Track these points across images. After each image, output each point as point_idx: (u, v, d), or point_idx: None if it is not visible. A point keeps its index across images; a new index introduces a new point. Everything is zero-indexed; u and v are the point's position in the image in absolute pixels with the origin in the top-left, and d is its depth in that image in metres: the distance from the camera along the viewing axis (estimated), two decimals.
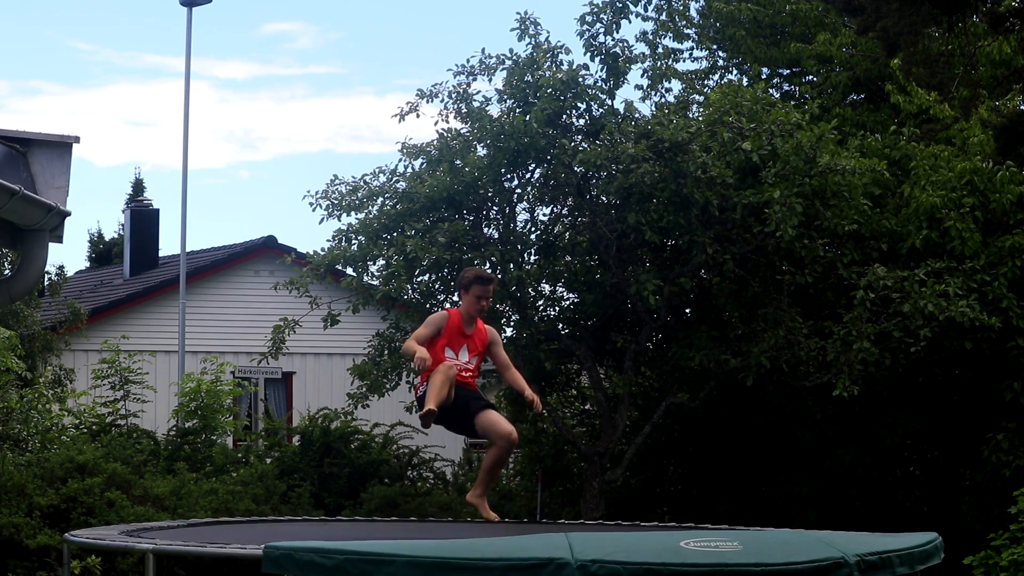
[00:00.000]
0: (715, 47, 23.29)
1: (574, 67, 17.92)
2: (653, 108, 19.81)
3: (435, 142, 18.46)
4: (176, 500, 17.80)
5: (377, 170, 18.67)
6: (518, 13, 18.21)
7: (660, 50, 22.17)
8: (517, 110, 17.99)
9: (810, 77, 22.72)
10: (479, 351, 10.73)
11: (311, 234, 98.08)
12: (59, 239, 13.00)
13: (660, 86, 20.17)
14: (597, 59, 18.17)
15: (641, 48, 21.32)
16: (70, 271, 29.16)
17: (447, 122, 18.49)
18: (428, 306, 18.74)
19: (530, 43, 18.16)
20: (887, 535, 10.06)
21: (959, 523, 18.15)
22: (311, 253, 19.08)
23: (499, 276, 18.35)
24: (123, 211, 32.11)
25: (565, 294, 19.80)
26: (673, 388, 18.81)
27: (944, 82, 18.31)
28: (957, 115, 19.00)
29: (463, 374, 10.60)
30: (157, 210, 30.47)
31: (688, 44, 23.32)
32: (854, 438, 18.97)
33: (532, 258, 19.16)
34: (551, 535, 8.88)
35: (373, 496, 19.27)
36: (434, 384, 10.32)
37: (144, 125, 67.96)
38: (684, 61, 23.16)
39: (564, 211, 19.00)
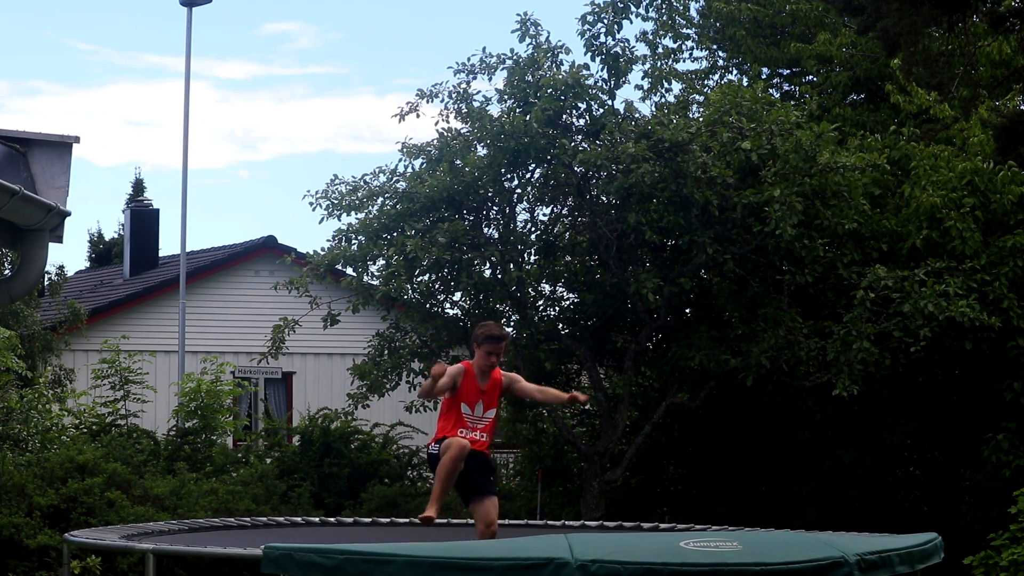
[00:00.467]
0: (715, 47, 23.28)
1: (575, 67, 17.91)
2: (653, 108, 19.82)
3: (435, 142, 18.45)
4: (176, 500, 17.80)
5: (377, 170, 18.69)
6: (519, 14, 18.24)
7: (660, 50, 22.18)
8: (517, 110, 17.99)
9: (810, 77, 22.72)
10: (495, 404, 10.80)
11: (311, 234, 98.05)
12: (59, 239, 12.99)
13: (660, 87, 20.16)
14: (598, 59, 18.18)
15: (642, 48, 21.34)
16: (70, 271, 29.15)
17: (447, 122, 18.51)
18: (428, 306, 18.74)
19: (531, 44, 18.16)
20: (887, 535, 10.07)
21: (959, 523, 18.15)
22: (311, 253, 19.07)
23: (499, 276, 18.36)
24: (123, 211, 32.10)
25: (565, 294, 19.80)
26: (673, 388, 18.80)
27: (944, 82, 18.30)
28: (957, 115, 19.00)
29: (477, 437, 10.64)
30: (157, 210, 30.46)
31: (688, 44, 23.35)
32: (854, 438, 18.96)
33: (532, 258, 19.15)
34: (551, 535, 8.89)
35: (373, 496, 19.26)
36: (441, 474, 10.35)
37: (144, 125, 67.98)
38: (684, 61, 23.20)
39: (564, 211, 19.00)
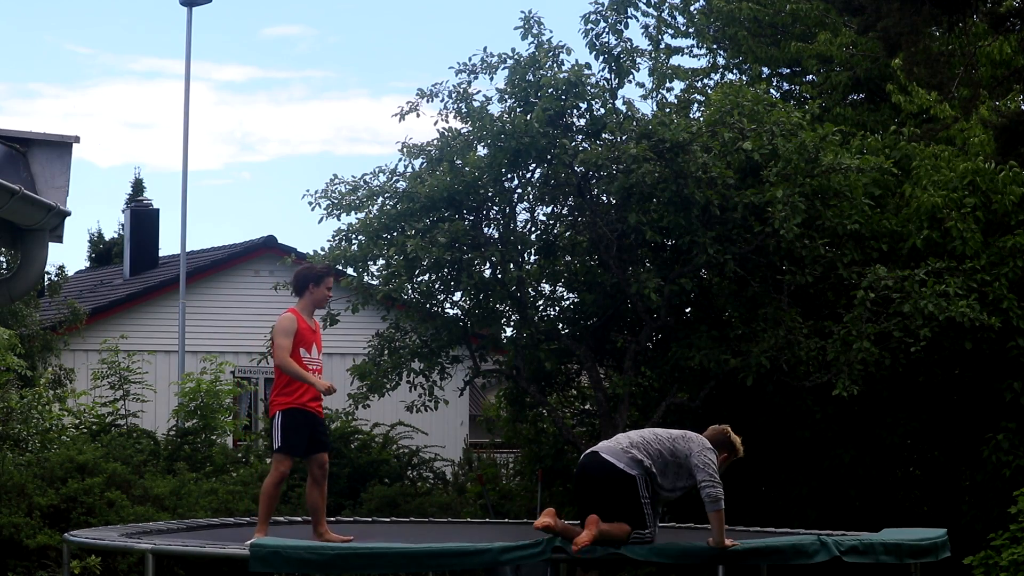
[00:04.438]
0: (715, 46, 23.28)
1: (576, 67, 17.89)
2: (654, 107, 19.80)
3: (435, 141, 18.43)
4: (176, 500, 17.80)
5: (377, 170, 18.66)
6: (523, 11, 18.20)
7: (662, 46, 22.17)
8: (518, 110, 17.97)
9: (810, 77, 22.71)
10: (320, 345, 11.16)
11: (311, 234, 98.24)
12: (59, 239, 12.97)
13: (663, 85, 20.14)
14: (600, 59, 18.15)
15: (643, 43, 21.31)
16: (70, 271, 29.16)
17: (447, 122, 18.47)
18: (428, 306, 18.72)
19: (533, 42, 18.14)
20: (903, 530, 10.17)
21: (959, 523, 18.13)
22: (311, 253, 19.05)
23: (499, 276, 18.35)
24: (123, 211, 32.09)
25: (565, 294, 19.78)
26: (673, 388, 18.78)
27: (944, 82, 18.30)
28: (957, 115, 18.99)
29: (317, 400, 10.96)
30: (157, 210, 30.45)
31: (688, 43, 23.37)
32: (854, 438, 18.95)
33: (532, 258, 19.14)
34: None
35: (373, 496, 19.26)
36: (267, 500, 10.68)
37: (143, 127, 68.02)
38: (683, 56, 23.24)
39: (564, 211, 18.98)
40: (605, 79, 18.25)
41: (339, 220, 18.54)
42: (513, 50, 18.19)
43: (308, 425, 10.76)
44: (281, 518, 14.09)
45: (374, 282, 18.58)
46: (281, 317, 10.89)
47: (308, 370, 10.76)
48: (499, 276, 18.36)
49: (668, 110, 19.19)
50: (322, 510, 10.92)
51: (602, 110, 18.16)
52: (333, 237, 18.59)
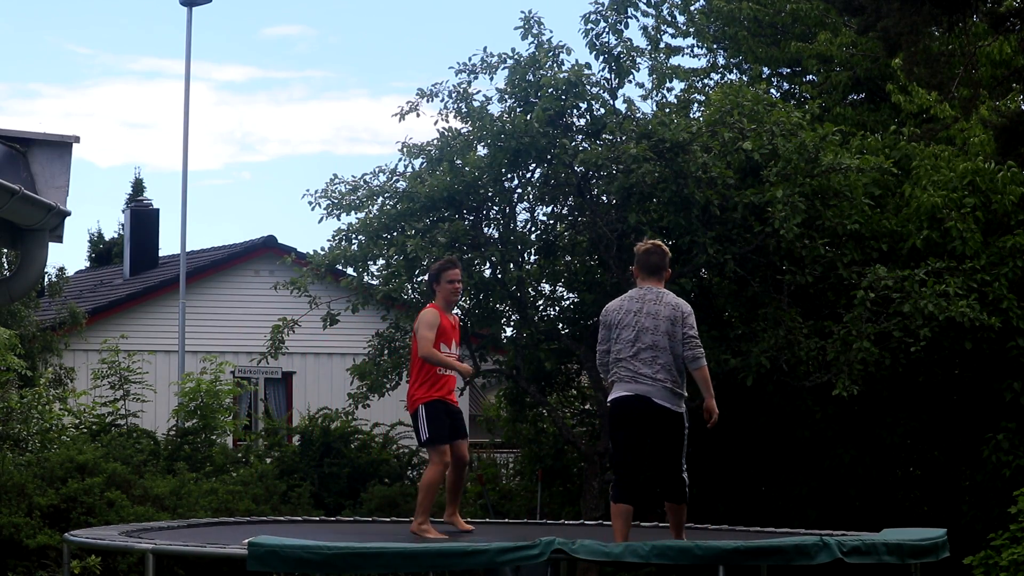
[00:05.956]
0: (715, 46, 23.27)
1: (576, 66, 17.89)
2: (654, 107, 19.80)
3: (435, 141, 18.43)
4: (176, 500, 17.79)
5: (377, 169, 18.68)
6: (523, 11, 18.21)
7: (662, 45, 22.16)
8: (518, 109, 17.97)
9: (810, 77, 22.71)
10: (458, 340, 11.13)
11: (311, 235, 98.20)
12: (59, 239, 12.96)
13: (663, 85, 20.14)
14: (600, 59, 18.14)
15: (643, 44, 21.27)
16: (70, 271, 29.12)
17: (447, 121, 18.48)
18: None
19: (533, 42, 18.14)
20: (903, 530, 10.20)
21: (959, 523, 18.13)
22: (311, 253, 19.06)
23: (499, 276, 18.36)
24: (123, 211, 32.07)
25: (565, 294, 19.78)
26: None
27: (944, 82, 18.28)
28: (957, 115, 18.98)
29: (450, 383, 10.99)
30: (157, 210, 30.41)
31: (688, 42, 23.36)
32: (854, 438, 18.95)
33: (532, 258, 19.14)
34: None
35: (373, 496, 19.25)
36: (429, 490, 10.93)
37: (143, 127, 68.04)
38: (683, 56, 23.24)
39: (564, 211, 18.98)
40: (605, 79, 18.25)
41: (339, 220, 18.58)
42: (513, 50, 18.21)
43: (449, 415, 10.89)
44: (281, 518, 14.07)
45: (374, 282, 18.58)
46: (424, 311, 10.92)
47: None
48: (499, 276, 18.36)
49: (668, 110, 19.18)
50: (457, 495, 11.32)
51: (602, 110, 18.16)
52: (333, 237, 18.61)
